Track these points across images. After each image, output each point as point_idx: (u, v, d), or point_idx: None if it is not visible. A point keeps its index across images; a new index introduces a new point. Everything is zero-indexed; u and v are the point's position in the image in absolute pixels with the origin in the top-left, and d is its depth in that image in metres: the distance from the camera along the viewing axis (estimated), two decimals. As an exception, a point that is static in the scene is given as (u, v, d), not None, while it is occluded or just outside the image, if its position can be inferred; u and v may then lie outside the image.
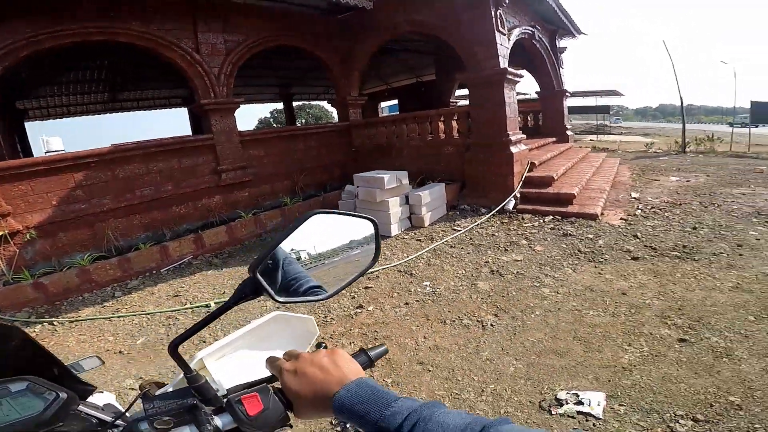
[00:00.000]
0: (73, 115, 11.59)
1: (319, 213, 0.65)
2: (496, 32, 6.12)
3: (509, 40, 6.79)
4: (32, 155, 9.78)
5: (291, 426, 0.62)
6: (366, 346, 2.66)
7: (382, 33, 7.53)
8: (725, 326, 2.82)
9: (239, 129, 6.57)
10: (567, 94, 10.48)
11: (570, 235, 4.94)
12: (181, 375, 0.67)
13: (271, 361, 0.60)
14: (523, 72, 10.80)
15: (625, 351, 2.67)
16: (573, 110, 24.20)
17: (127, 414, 0.71)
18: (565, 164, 7.49)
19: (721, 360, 2.49)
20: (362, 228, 0.72)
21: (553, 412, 2.21)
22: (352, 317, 3.43)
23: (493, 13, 6.11)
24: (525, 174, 6.54)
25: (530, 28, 8.11)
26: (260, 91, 14.06)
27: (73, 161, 5.16)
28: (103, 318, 3.98)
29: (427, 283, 3.93)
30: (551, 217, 5.67)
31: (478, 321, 3.19)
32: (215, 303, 3.96)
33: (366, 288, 3.94)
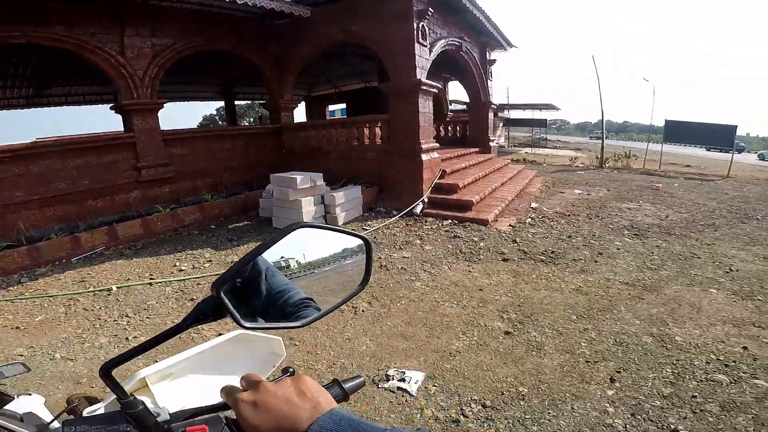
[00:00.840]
0: None
1: (304, 226, 0.58)
2: (416, 44, 6.72)
3: (431, 51, 7.41)
4: None
5: None
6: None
7: (318, 41, 7.97)
8: (549, 323, 3.23)
9: (170, 128, 6.98)
10: (493, 106, 11.39)
11: (459, 237, 5.63)
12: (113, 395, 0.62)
13: (227, 391, 0.51)
14: (454, 83, 11.61)
15: (458, 339, 3.08)
16: (514, 123, 25.81)
17: (50, 427, 0.67)
18: (476, 174, 8.28)
19: (531, 353, 2.84)
20: (353, 247, 0.65)
21: (379, 386, 2.56)
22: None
23: (415, 25, 6.68)
24: (435, 181, 7.24)
25: (457, 40, 8.76)
26: (202, 89, 14.05)
27: None
28: (5, 300, 4.15)
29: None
30: (450, 221, 6.37)
31: (353, 307, 3.66)
32: (117, 287, 4.25)
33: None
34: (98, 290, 4.25)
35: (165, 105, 6.84)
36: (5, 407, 0.75)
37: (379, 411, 2.36)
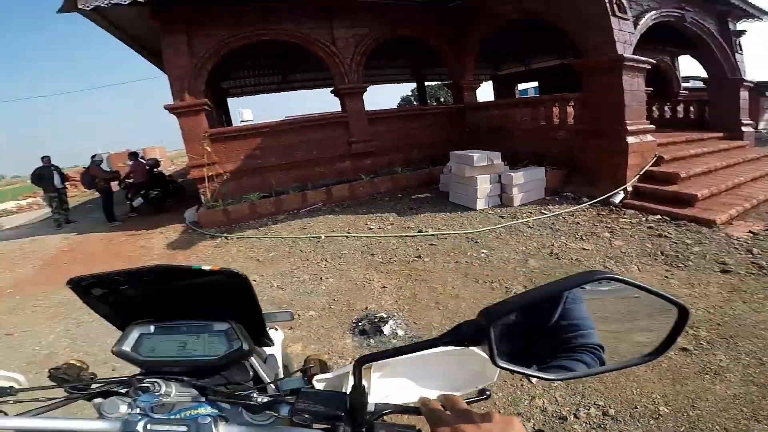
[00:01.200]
0: (257, 93, 15.08)
1: (609, 278, 0.49)
2: (611, 17, 5.87)
3: (636, 24, 6.31)
4: (231, 124, 13.22)
5: None
6: (411, 291, 3.43)
7: (491, 20, 7.92)
8: (751, 350, 2.57)
9: (371, 108, 8.06)
10: (747, 83, 8.64)
11: (665, 236, 4.66)
12: (345, 369, 0.70)
13: (426, 405, 0.50)
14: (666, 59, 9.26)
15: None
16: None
17: (281, 380, 0.75)
18: (712, 163, 6.55)
19: (703, 376, 2.37)
20: (658, 311, 0.52)
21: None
22: (409, 263, 4.31)
23: (607, -3, 5.84)
24: (646, 168, 6.12)
25: (676, 11, 7.15)
26: (396, 72, 15.43)
27: (254, 130, 7.37)
28: (256, 238, 5.82)
29: (485, 251, 4.48)
30: (659, 216, 5.31)
31: (505, 287, 3.64)
32: (324, 236, 5.36)
33: (431, 245, 4.75)
34: (312, 237, 5.46)
35: (368, 88, 7.99)
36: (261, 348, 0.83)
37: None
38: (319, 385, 0.74)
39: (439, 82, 21.26)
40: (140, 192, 8.73)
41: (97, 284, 0.73)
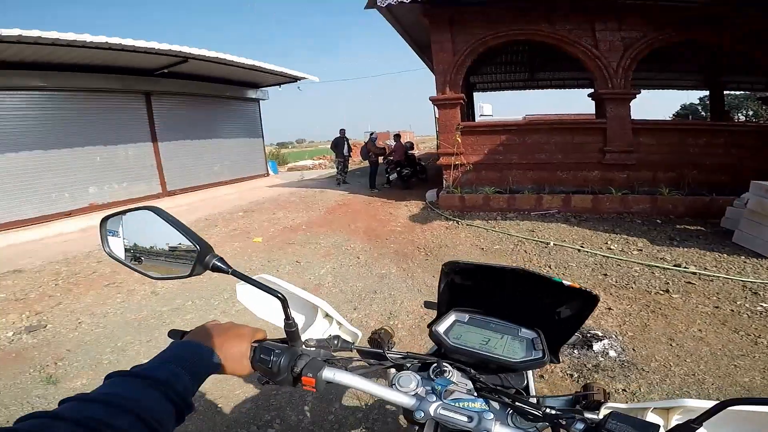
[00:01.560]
0: (503, 89, 15.17)
1: None
2: None
3: None
4: (475, 117, 13.92)
5: None
6: (641, 320, 3.12)
7: None
8: None
9: (638, 114, 7.17)
10: None
11: None
12: (643, 404, 0.66)
13: None
14: None
15: None
16: None
17: (546, 396, 0.71)
18: None
19: None
20: None
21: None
22: (651, 294, 3.77)
23: None
24: None
25: None
26: (680, 77, 12.62)
27: (501, 126, 7.74)
28: (484, 228, 6.19)
29: (764, 305, 3.48)
30: None
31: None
32: (554, 243, 5.25)
33: (687, 283, 3.96)
34: (539, 241, 5.43)
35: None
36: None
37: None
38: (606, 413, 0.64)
39: (746, 93, 16.31)
40: (396, 168, 10.56)
41: (457, 269, 0.81)
